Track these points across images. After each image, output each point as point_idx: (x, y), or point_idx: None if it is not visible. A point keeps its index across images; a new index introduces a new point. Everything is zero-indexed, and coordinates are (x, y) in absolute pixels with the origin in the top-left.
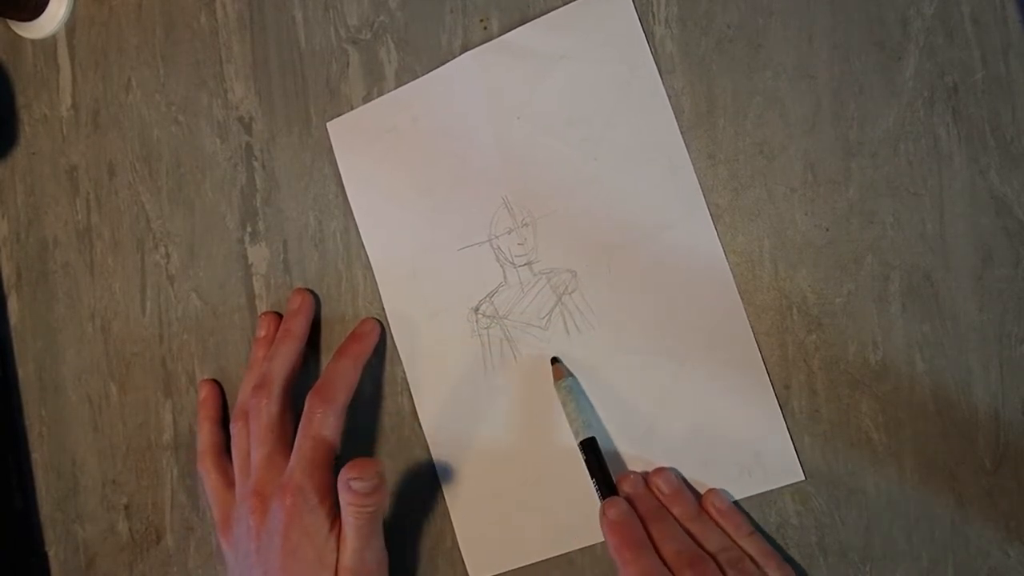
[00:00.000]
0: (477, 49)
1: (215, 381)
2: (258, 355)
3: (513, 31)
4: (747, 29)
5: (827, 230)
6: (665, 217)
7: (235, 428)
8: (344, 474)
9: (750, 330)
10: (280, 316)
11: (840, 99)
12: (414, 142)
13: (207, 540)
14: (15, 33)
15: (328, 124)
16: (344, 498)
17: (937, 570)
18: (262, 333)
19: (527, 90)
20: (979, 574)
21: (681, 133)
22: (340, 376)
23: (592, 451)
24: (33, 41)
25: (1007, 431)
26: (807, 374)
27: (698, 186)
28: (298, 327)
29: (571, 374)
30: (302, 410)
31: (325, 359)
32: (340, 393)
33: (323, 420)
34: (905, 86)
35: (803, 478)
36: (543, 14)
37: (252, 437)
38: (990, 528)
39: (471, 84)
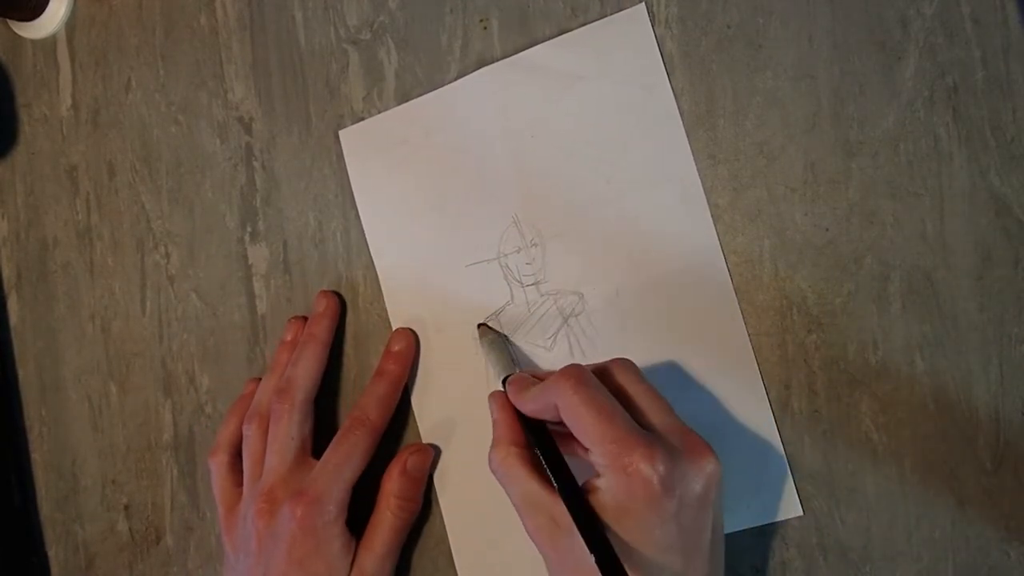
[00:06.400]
0: (493, 65)
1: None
2: (281, 359)
3: (530, 49)
4: (747, 29)
5: (827, 230)
6: (676, 245)
7: (249, 429)
8: (402, 454)
9: (757, 369)
10: (307, 320)
11: (840, 99)
12: (426, 156)
13: (207, 540)
14: (15, 33)
15: (340, 132)
16: (391, 490)
17: (937, 570)
18: (288, 337)
19: (543, 109)
20: (979, 574)
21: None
22: (378, 400)
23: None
24: (33, 41)
25: (1007, 431)
26: (807, 374)
27: (710, 215)
28: (322, 331)
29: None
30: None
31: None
32: (379, 418)
33: (357, 441)
34: (905, 86)
35: (801, 513)
36: (543, 14)
37: (269, 441)
38: (990, 528)
39: (486, 100)
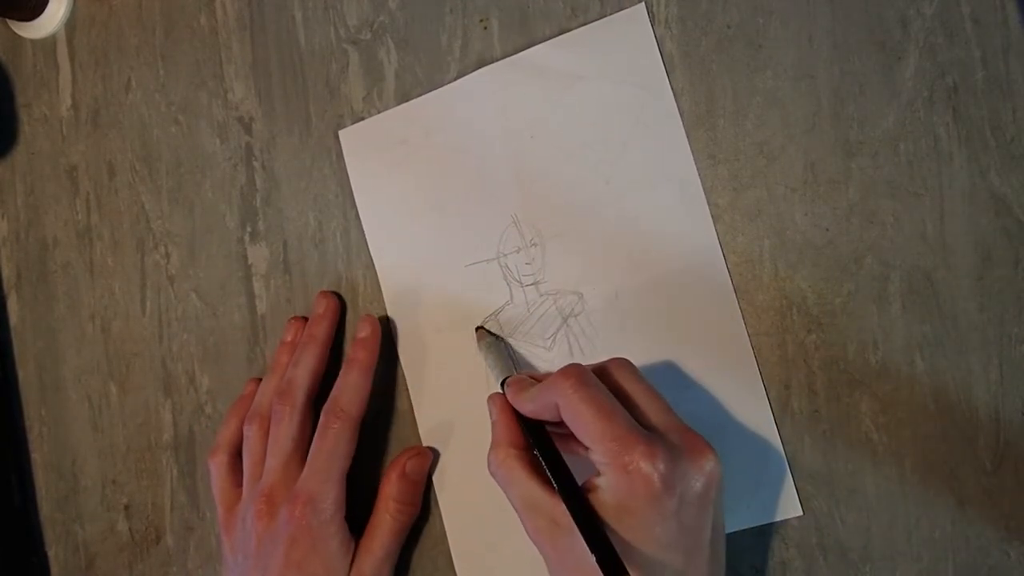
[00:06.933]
0: (493, 65)
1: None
2: (281, 360)
3: (530, 49)
4: (747, 29)
5: (827, 230)
6: (676, 245)
7: (250, 430)
8: (400, 458)
9: (757, 369)
10: (307, 321)
11: (840, 99)
12: (426, 155)
13: (207, 540)
14: (15, 33)
15: (340, 132)
16: (390, 493)
17: (937, 570)
18: (288, 338)
19: (543, 109)
20: (979, 574)
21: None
22: (351, 389)
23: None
24: (33, 41)
25: (1007, 431)
26: (807, 374)
27: (710, 215)
28: (322, 332)
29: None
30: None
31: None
32: (353, 407)
33: (338, 434)
34: (905, 86)
35: (801, 513)
36: (543, 14)
37: (270, 442)
38: (990, 528)
39: (486, 100)
